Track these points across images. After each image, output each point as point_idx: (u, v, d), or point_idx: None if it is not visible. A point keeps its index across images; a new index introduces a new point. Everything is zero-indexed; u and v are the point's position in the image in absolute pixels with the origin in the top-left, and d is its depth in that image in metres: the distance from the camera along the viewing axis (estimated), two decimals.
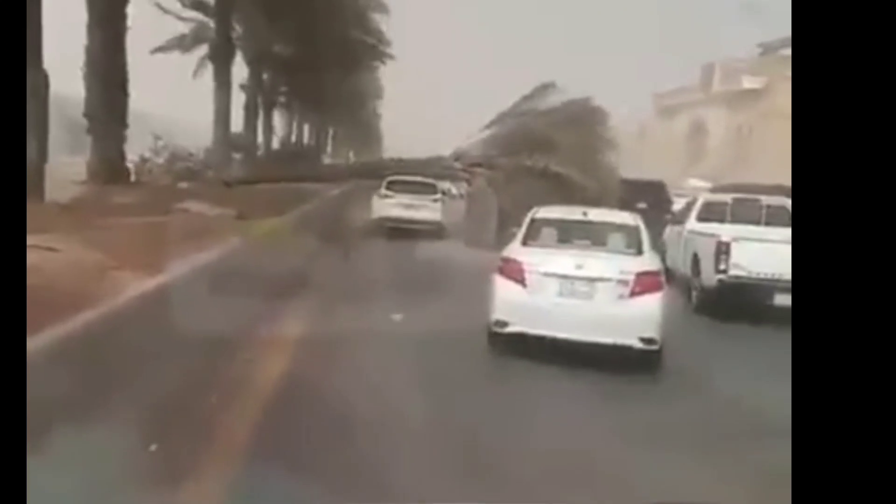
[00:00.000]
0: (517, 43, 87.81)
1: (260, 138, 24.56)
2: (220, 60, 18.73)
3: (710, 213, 11.72)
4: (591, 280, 6.84)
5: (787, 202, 11.34)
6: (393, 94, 41.38)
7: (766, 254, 9.91)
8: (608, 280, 6.83)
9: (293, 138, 29.69)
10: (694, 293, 10.44)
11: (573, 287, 6.85)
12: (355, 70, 25.58)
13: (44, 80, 11.75)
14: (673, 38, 79.26)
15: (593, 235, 7.55)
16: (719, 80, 67.70)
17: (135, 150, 18.44)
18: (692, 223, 11.69)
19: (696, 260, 10.51)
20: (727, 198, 12.41)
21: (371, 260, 13.61)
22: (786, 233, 10.69)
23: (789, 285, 10.72)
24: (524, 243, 7.41)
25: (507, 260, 7.16)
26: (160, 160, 19.36)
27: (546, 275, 6.88)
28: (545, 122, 16.25)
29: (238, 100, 21.98)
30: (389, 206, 18.20)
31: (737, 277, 9.89)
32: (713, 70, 67.32)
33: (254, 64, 21.29)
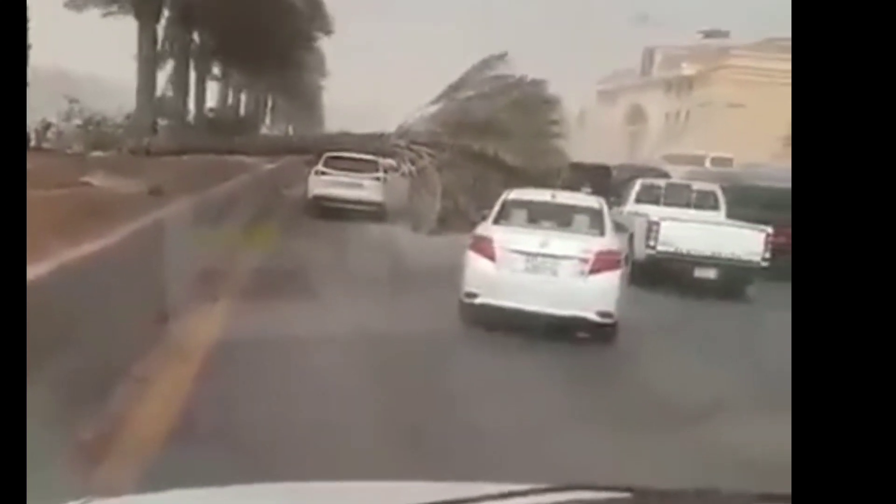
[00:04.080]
0: (465, 17, 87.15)
1: (192, 106, 23.08)
2: (145, 17, 17.18)
3: (646, 195, 13.10)
4: (555, 257, 7.54)
5: (716, 188, 13.26)
6: (335, 66, 40.01)
7: (690, 233, 11.56)
8: (570, 258, 7.54)
9: (228, 107, 28.17)
10: (628, 267, 11.30)
11: (538, 263, 7.54)
12: (296, 39, 24.30)
13: None
14: (614, 23, 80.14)
15: (560, 217, 8.20)
16: (659, 65, 68.75)
17: (46, 113, 16.73)
18: (630, 205, 12.88)
19: (630, 237, 11.52)
20: (662, 182, 14.00)
21: (299, 247, 12.32)
22: (711, 215, 12.49)
23: (708, 261, 12.08)
24: (496, 222, 8.07)
25: (478, 237, 7.88)
26: (73, 124, 17.57)
27: (514, 251, 7.58)
28: (494, 105, 15.70)
29: (168, 64, 20.49)
30: (327, 183, 17.26)
31: (663, 253, 11.37)
32: (653, 55, 68.29)
33: (183, 23, 19.72)
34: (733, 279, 11.47)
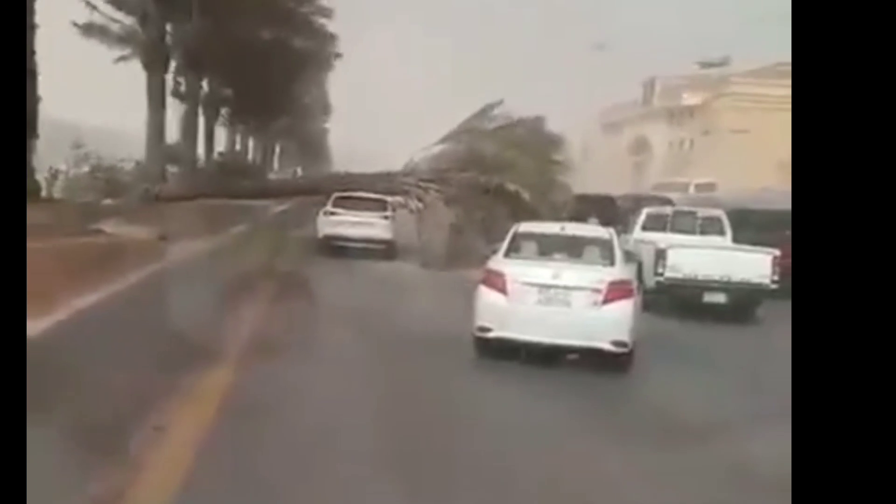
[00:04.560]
0: (468, 59, 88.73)
1: (201, 151, 23.39)
2: (154, 65, 17.53)
3: (653, 223, 13.29)
4: (568, 289, 7.54)
5: (721, 213, 13.45)
6: (342, 108, 40.58)
7: (697, 259, 11.70)
8: (583, 288, 7.52)
9: (237, 152, 28.56)
10: (639, 296, 11.10)
11: (551, 295, 7.54)
12: (300, 76, 24.66)
13: None
14: (615, 54, 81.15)
15: (570, 248, 8.23)
16: (659, 96, 69.36)
17: (54, 162, 16.93)
18: (637, 232, 13.02)
19: (639, 266, 11.52)
20: (668, 210, 14.20)
21: (311, 290, 12.18)
22: (717, 240, 12.60)
23: (716, 286, 12.10)
24: (507, 255, 8.08)
25: (490, 271, 7.85)
26: (81, 171, 17.73)
27: (526, 284, 7.57)
28: (498, 140, 15.96)
29: (178, 111, 20.82)
30: (336, 223, 17.38)
31: (672, 279, 11.51)
32: (653, 86, 68.98)
33: (191, 70, 20.12)
34: (743, 302, 11.55)
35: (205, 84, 21.19)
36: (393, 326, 8.90)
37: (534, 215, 11.52)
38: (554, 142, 16.51)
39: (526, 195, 14.11)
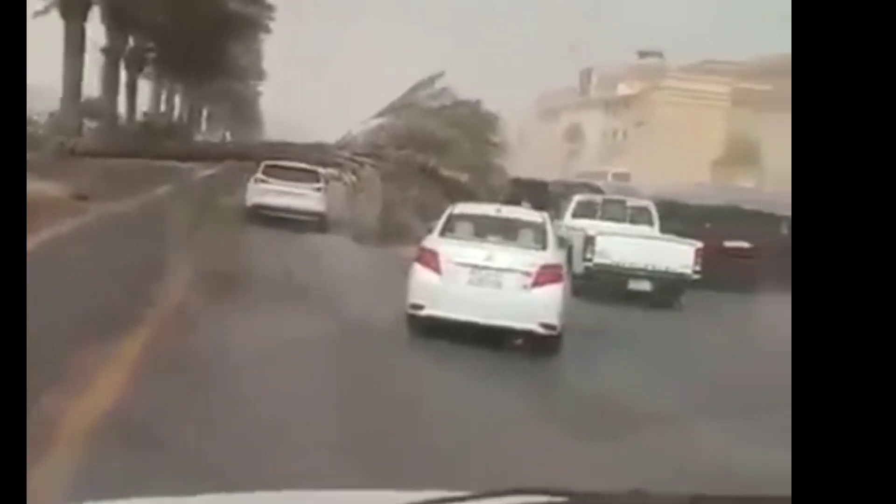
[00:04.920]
0: (407, 34, 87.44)
1: (122, 109, 22.11)
2: (71, 14, 16.31)
3: (583, 210, 13.48)
4: (499, 270, 7.64)
5: (649, 203, 13.85)
6: (276, 74, 39.19)
7: (625, 247, 11.90)
8: (514, 271, 7.64)
9: (162, 112, 27.19)
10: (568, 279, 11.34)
11: (483, 276, 7.63)
12: (234, 42, 23.62)
13: None
14: (554, 42, 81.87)
15: (504, 231, 8.25)
16: (596, 86, 70.51)
17: None
18: (568, 219, 13.14)
19: (569, 251, 11.66)
20: (598, 198, 14.50)
21: (238, 260, 11.68)
22: (645, 230, 12.90)
23: (642, 273, 12.49)
24: (442, 234, 8.10)
25: (424, 249, 7.88)
26: None
27: (459, 264, 7.65)
28: (437, 120, 15.71)
29: (98, 65, 19.51)
30: (266, 192, 16.78)
31: (600, 265, 11.72)
32: (590, 75, 70.00)
33: (114, 20, 18.86)
34: (666, 290, 11.91)
35: (130, 39, 19.98)
36: (323, 301, 8.70)
37: (471, 197, 11.42)
38: (492, 124, 16.42)
39: (463, 178, 13.96)
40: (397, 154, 15.10)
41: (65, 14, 16.80)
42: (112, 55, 20.03)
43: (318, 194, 16.92)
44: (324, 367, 6.38)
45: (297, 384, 5.79)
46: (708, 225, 14.38)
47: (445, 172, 14.13)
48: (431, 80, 16.28)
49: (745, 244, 14.72)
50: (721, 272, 12.16)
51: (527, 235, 8.19)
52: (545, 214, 9.00)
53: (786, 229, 16.70)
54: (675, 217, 13.97)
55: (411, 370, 6.90)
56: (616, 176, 40.99)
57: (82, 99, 18.10)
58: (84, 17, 17.13)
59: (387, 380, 6.42)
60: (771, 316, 11.74)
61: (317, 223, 16.43)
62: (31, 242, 5.26)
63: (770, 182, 44.41)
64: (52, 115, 17.97)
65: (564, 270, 8.15)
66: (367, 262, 11.59)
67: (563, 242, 11.58)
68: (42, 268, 5.30)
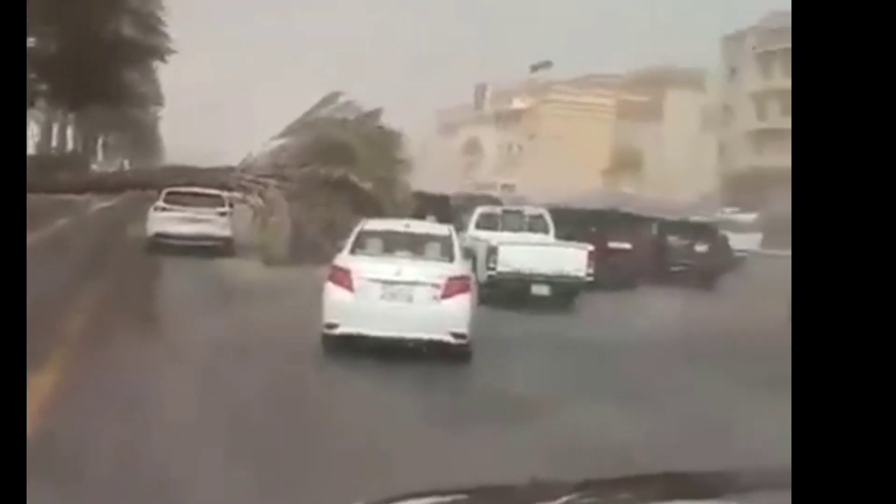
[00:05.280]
0: (306, 52, 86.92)
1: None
2: None
3: (485, 221, 14.22)
4: (409, 284, 7.84)
5: (544, 212, 14.70)
6: (174, 99, 38.11)
7: (525, 255, 12.55)
8: (423, 284, 7.86)
9: (54, 143, 25.98)
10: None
11: (394, 290, 7.83)
12: (129, 69, 23.05)
13: None
14: (452, 56, 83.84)
15: (413, 245, 8.50)
16: (490, 100, 72.55)
17: None
18: (472, 230, 13.70)
19: (474, 261, 12.12)
20: (498, 209, 15.38)
21: (140, 292, 11.58)
22: (542, 237, 13.80)
23: (541, 279, 13.21)
24: (352, 252, 8.27)
25: (336, 268, 8.02)
26: None
27: (370, 280, 7.84)
28: (340, 131, 15.93)
29: None
30: (168, 220, 16.53)
31: (502, 274, 12.28)
32: (484, 91, 72.02)
33: None
34: (563, 293, 12.68)
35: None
36: (236, 325, 8.76)
37: (378, 211, 11.77)
38: (396, 139, 16.85)
39: (368, 186, 14.26)
40: (301, 171, 15.25)
41: None
42: None
43: (222, 219, 16.82)
44: (235, 386, 6.48)
45: (205, 403, 5.97)
46: (594, 229, 15.49)
47: (352, 181, 14.37)
48: (332, 97, 16.49)
49: (627, 245, 15.98)
50: (606, 272, 13.07)
51: (434, 249, 8.41)
52: (451, 227, 9.32)
53: (655, 230, 18.36)
54: (565, 222, 14.88)
55: (326, 385, 7.02)
56: (504, 187, 45.41)
57: None
58: None
59: (299, 395, 6.49)
60: (649, 308, 12.89)
61: (223, 248, 16.33)
62: None
63: (649, 187, 47.54)
64: None
65: (472, 280, 8.41)
66: (275, 284, 11.71)
67: (468, 253, 12.05)
68: None
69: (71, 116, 28.09)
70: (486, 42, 79.41)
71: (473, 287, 8.33)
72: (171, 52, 22.32)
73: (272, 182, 15.79)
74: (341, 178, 14.78)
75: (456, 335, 7.75)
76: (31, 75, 19.97)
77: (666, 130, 53.68)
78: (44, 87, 21.17)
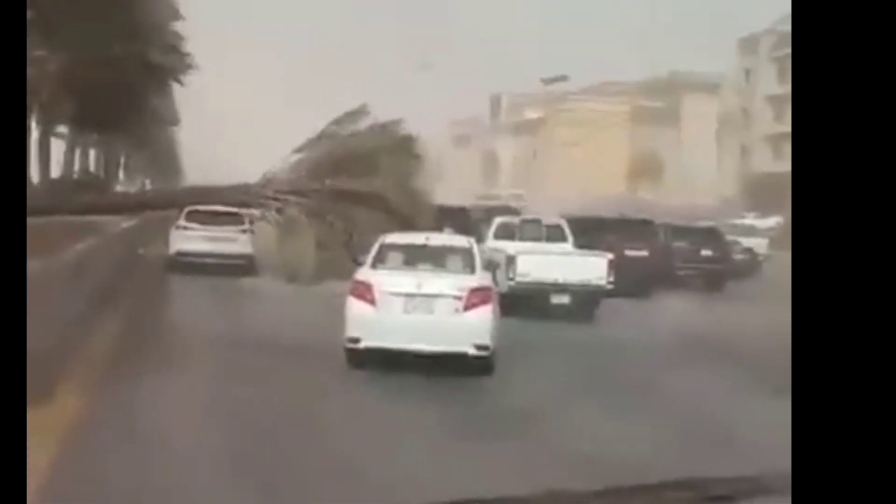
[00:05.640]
0: (323, 66, 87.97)
1: (35, 166, 21.47)
2: None
3: (504, 232, 14.28)
4: (430, 297, 7.90)
5: (562, 221, 14.73)
6: (192, 117, 38.73)
7: (544, 264, 12.61)
8: (445, 296, 7.90)
9: (76, 166, 26.50)
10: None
11: (416, 303, 7.87)
12: (152, 93, 23.48)
13: None
14: (465, 69, 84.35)
15: (434, 258, 8.58)
16: (506, 111, 72.69)
17: None
18: (490, 241, 13.73)
19: (495, 271, 12.56)
20: (516, 220, 15.51)
21: (165, 312, 11.78)
22: (561, 246, 14.00)
23: (561, 287, 13.01)
24: (373, 266, 8.32)
25: (358, 282, 8.09)
26: None
27: (392, 294, 7.89)
28: (359, 143, 15.94)
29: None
30: (189, 238, 16.75)
31: (522, 284, 12.27)
32: (500, 101, 72.21)
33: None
34: (583, 302, 12.61)
35: (43, 95, 19.53)
36: (264, 342, 8.83)
37: (399, 225, 11.79)
38: (415, 148, 16.85)
39: (389, 199, 14.29)
40: (321, 186, 15.33)
41: None
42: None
43: (243, 237, 16.96)
44: (260, 401, 6.52)
45: (231, 416, 6.03)
46: (611, 237, 15.37)
47: (371, 194, 14.40)
48: (351, 113, 16.55)
49: (644, 252, 15.99)
50: (622, 279, 12.96)
51: (455, 261, 8.46)
52: (472, 239, 9.35)
53: (663, 236, 18.45)
54: (582, 231, 14.89)
55: (349, 398, 7.06)
56: (513, 197, 45.92)
57: None
58: None
59: (324, 408, 6.50)
60: (666, 315, 12.76)
61: (245, 266, 16.47)
62: None
63: (668, 193, 47.31)
64: None
65: (494, 292, 8.37)
66: (300, 301, 11.82)
67: (489, 264, 12.47)
68: None
69: (93, 138, 28.61)
70: (499, 52, 79.90)
71: (496, 298, 8.28)
72: (189, 70, 22.70)
73: (292, 198, 15.87)
74: (360, 191, 14.83)
75: (478, 347, 7.72)
76: (56, 98, 20.36)
77: (684, 135, 53.46)
78: (68, 110, 21.60)
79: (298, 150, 16.93)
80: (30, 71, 18.22)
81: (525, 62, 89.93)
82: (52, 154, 22.86)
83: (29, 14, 16.18)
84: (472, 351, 7.71)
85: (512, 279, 12.26)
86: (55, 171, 23.59)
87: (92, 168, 30.14)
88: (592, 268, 12.69)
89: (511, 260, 12.43)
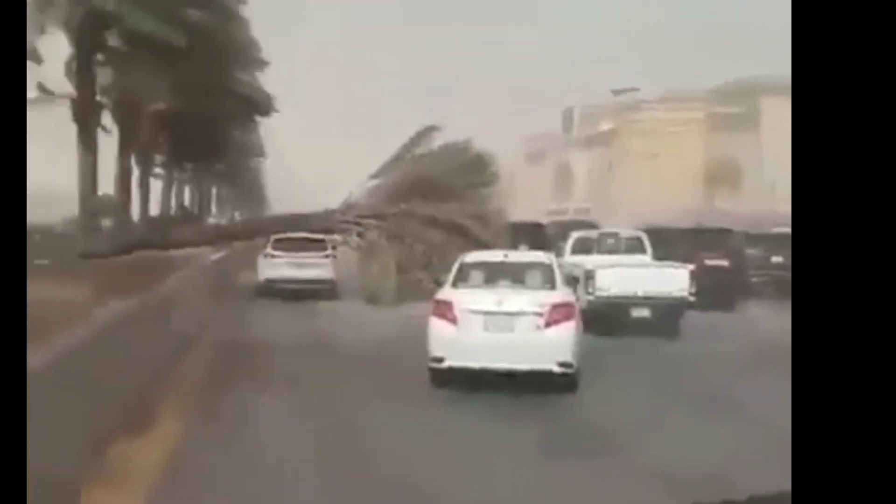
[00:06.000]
0: (397, 90, 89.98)
1: (136, 202, 22.97)
2: (83, 120, 17.25)
3: (581, 246, 14.23)
4: (511, 314, 7.80)
5: (641, 233, 14.48)
6: (275, 147, 40.57)
7: (623, 277, 12.37)
8: (525, 313, 7.80)
9: (173, 201, 28.19)
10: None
11: (497, 321, 7.79)
12: (241, 127, 24.82)
13: None
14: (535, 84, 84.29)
15: (514, 274, 8.50)
16: (578, 124, 72.06)
17: None
18: (568, 256, 13.69)
19: (575, 286, 12.47)
20: (594, 233, 15.29)
21: (258, 332, 12.13)
22: (640, 259, 13.77)
23: (642, 301, 12.22)
24: (454, 285, 8.33)
25: (439, 301, 8.08)
26: None
27: (472, 312, 7.83)
28: (432, 165, 16.16)
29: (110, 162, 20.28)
30: (276, 265, 17.58)
31: (602, 298, 12.11)
32: (572, 115, 71.69)
33: (125, 122, 19.87)
34: (666, 315, 12.27)
35: (142, 134, 20.97)
36: (351, 360, 9.14)
37: (476, 244, 11.91)
38: (489, 167, 16.95)
39: (465, 220, 14.43)
40: (398, 210, 15.67)
41: (77, 119, 17.73)
42: (123, 152, 20.97)
43: (326, 262, 17.66)
44: (347, 422, 6.62)
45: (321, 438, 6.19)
46: (688, 247, 14.98)
47: (448, 216, 14.58)
48: (421, 134, 16.82)
49: (725, 262, 15.53)
50: (704, 291, 12.53)
51: (535, 277, 8.37)
52: (551, 255, 9.29)
53: (738, 244, 17.90)
54: (660, 242, 14.63)
55: (434, 417, 7.04)
56: (577, 211, 46.05)
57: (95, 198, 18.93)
58: (98, 121, 18.12)
59: (410, 429, 6.49)
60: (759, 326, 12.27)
61: (328, 290, 17.13)
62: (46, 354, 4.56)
63: (747, 201, 45.60)
64: (65, 220, 18.81)
65: (576, 307, 8.19)
66: (381, 322, 12.12)
67: (569, 280, 12.00)
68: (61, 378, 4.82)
69: (187, 174, 30.27)
70: (570, 64, 79.47)
71: (577, 314, 8.12)
72: (274, 107, 23.79)
73: (372, 222, 16.35)
74: (437, 216, 15.08)
75: (561, 364, 7.60)
76: (152, 138, 21.68)
77: (763, 140, 51.55)
78: (168, 147, 22.99)
79: (375, 176, 17.49)
80: (133, 117, 19.75)
81: (596, 72, 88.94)
82: (150, 193, 24.30)
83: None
84: (555, 368, 7.59)
85: (591, 294, 12.13)
86: (154, 209, 25.10)
87: (187, 203, 31.89)
88: (673, 279, 12.45)
89: (590, 274, 12.31)
